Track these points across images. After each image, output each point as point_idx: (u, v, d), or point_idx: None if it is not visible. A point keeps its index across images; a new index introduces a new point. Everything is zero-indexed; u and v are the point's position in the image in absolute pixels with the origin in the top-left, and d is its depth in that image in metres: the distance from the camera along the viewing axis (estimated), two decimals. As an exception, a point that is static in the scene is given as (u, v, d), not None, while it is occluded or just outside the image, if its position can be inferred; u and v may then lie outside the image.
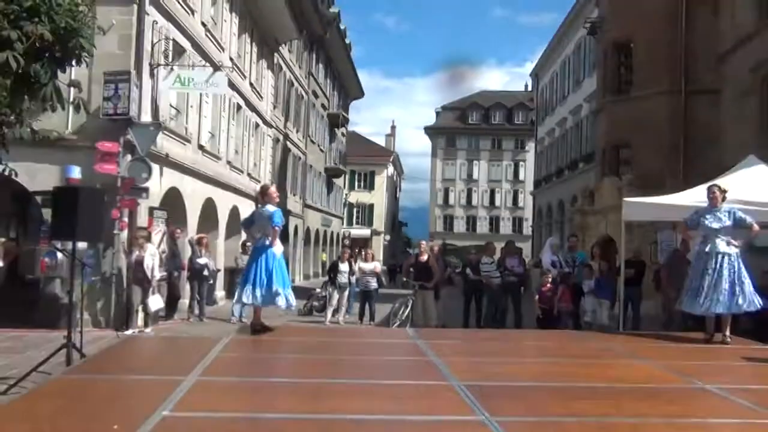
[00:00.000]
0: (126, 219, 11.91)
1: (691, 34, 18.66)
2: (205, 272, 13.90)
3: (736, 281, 7.09)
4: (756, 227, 7.16)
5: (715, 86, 17.69)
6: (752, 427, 3.81)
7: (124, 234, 11.88)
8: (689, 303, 7.37)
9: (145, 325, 11.43)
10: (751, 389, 4.90)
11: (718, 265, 7.14)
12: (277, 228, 7.17)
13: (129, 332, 10.70)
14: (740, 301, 7.06)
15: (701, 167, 16.38)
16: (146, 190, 12.03)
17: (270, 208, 7.33)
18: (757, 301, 7.15)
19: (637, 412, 4.17)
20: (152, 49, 12.82)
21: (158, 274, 11.34)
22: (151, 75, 12.89)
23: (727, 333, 7.25)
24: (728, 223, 7.18)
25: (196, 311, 13.78)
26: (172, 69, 13.34)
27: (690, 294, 7.38)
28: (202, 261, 13.82)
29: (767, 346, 7.42)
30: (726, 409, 4.27)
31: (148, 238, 11.64)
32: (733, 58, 16.79)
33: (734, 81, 16.68)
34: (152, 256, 11.26)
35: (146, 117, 12.62)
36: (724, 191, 7.44)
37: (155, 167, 12.62)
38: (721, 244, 7.16)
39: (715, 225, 7.21)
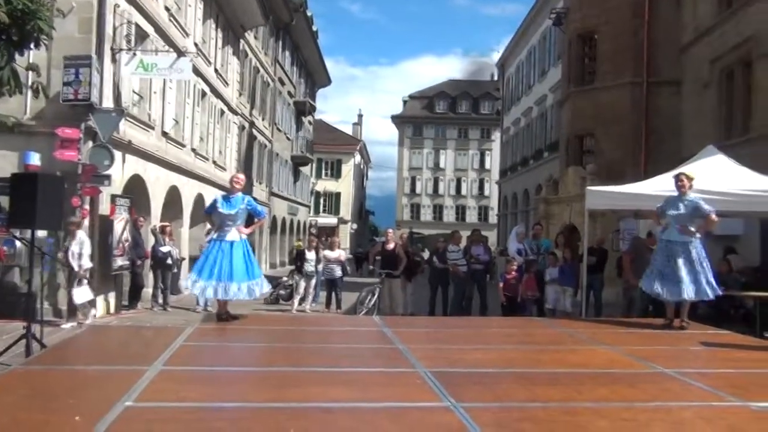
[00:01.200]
0: (87, 207, 11.67)
1: (654, 25, 18.96)
2: (169, 261, 13.71)
3: (695, 269, 7.26)
4: (713, 217, 7.31)
5: (676, 78, 18.03)
6: (710, 410, 3.92)
7: (86, 222, 11.65)
8: (648, 283, 7.54)
9: (72, 315, 10.79)
10: (709, 373, 5.04)
11: (675, 254, 7.31)
12: (263, 219, 7.16)
13: (67, 326, 10.36)
14: (698, 289, 7.24)
15: (662, 157, 16.72)
16: (108, 177, 11.80)
17: (242, 196, 7.29)
18: (713, 291, 7.33)
19: (598, 396, 4.25)
20: (114, 33, 12.54)
21: (87, 263, 10.64)
22: (113, 60, 12.60)
23: (686, 319, 7.44)
24: (682, 211, 7.32)
25: (160, 300, 13.60)
26: (134, 54, 13.06)
27: (650, 275, 7.55)
28: (165, 249, 13.63)
29: (724, 331, 7.64)
30: (685, 393, 4.39)
31: (79, 225, 11.02)
32: (693, 50, 17.12)
33: (694, 73, 17.02)
34: (80, 244, 10.60)
35: (108, 103, 12.36)
36: (691, 179, 7.58)
37: (117, 154, 12.39)
38: (675, 233, 7.33)
39: (673, 212, 7.38)
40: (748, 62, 14.59)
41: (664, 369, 5.04)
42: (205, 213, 7.85)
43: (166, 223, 14.37)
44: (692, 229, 7.30)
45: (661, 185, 9.19)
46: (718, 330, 7.62)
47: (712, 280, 7.37)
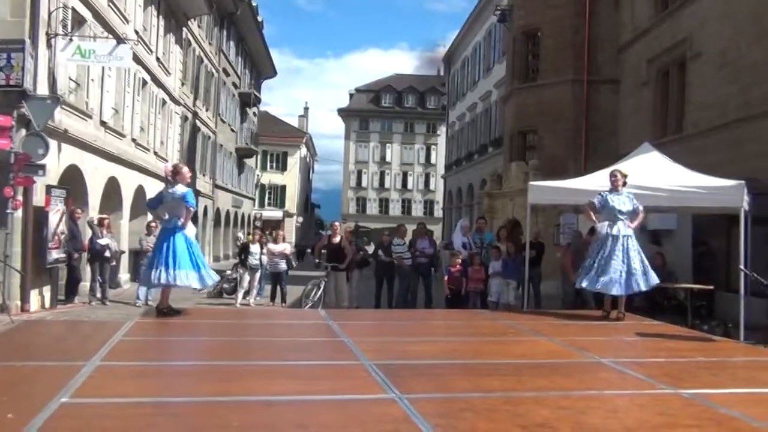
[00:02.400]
0: (20, 198, 11.22)
1: (595, 25, 19.43)
2: (107, 254, 13.34)
3: (629, 263, 7.52)
4: (642, 213, 7.65)
5: (615, 76, 18.56)
6: (643, 398, 4.07)
7: (19, 213, 11.20)
8: (587, 280, 7.75)
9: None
10: (644, 362, 5.22)
11: (622, 247, 7.54)
12: (192, 208, 7.01)
13: None
14: (639, 281, 7.49)
15: (601, 153, 17.20)
16: (43, 167, 11.37)
17: (180, 188, 7.13)
18: (649, 282, 7.61)
19: (538, 386, 4.36)
20: (49, 17, 12.06)
21: None
22: (48, 45, 12.13)
23: (622, 310, 7.69)
24: (630, 207, 7.60)
25: (98, 294, 13.22)
26: (71, 40, 12.61)
27: (589, 271, 7.76)
28: (103, 242, 13.25)
29: (658, 322, 7.94)
30: (620, 382, 4.54)
31: None
32: (631, 50, 17.66)
33: (632, 72, 17.56)
34: None
35: (43, 90, 11.89)
36: (625, 175, 7.86)
37: (53, 143, 11.96)
38: (623, 227, 7.57)
39: (622, 208, 7.61)
40: (682, 63, 15.15)
41: (600, 359, 5.20)
42: (148, 206, 7.63)
43: (104, 216, 13.95)
44: (630, 224, 7.57)
45: (600, 181, 9.44)
46: (652, 321, 7.91)
47: (649, 272, 7.64)
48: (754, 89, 12.36)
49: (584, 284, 7.82)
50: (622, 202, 7.63)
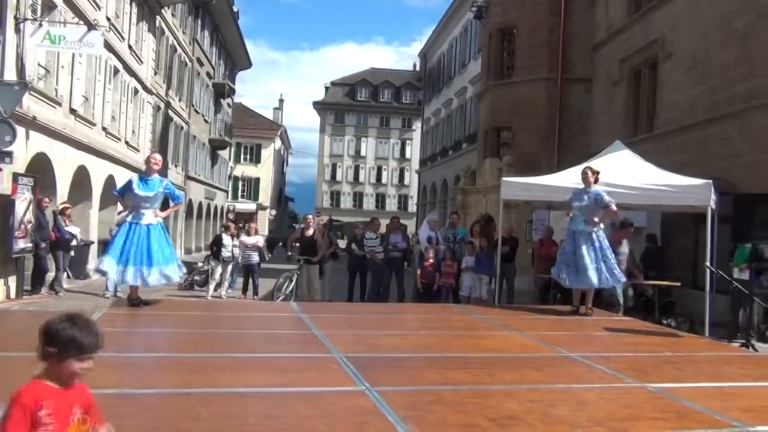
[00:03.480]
0: (-14, 185, 11.00)
1: (569, 23, 19.60)
2: (74, 242, 13.15)
3: (598, 258, 7.64)
4: (613, 207, 7.74)
5: (588, 75, 18.76)
6: (611, 391, 4.13)
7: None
8: (556, 270, 7.96)
9: None
10: (611, 357, 5.31)
11: (579, 243, 7.69)
12: (179, 204, 6.99)
13: None
14: (600, 277, 7.63)
15: (574, 151, 17.39)
16: (10, 154, 11.13)
17: (158, 177, 7.07)
18: (614, 279, 7.75)
19: (508, 379, 4.41)
20: (18, 1, 11.79)
21: None
22: (17, 30, 11.86)
23: (590, 306, 7.81)
24: (586, 202, 7.72)
25: (65, 285, 12.99)
26: (40, 25, 12.34)
27: (558, 264, 7.95)
28: (72, 230, 13.03)
29: (626, 317, 8.08)
30: (589, 376, 4.61)
31: None
32: (605, 49, 17.87)
33: (605, 71, 17.77)
34: None
35: (10, 75, 11.63)
36: (596, 173, 7.98)
37: (20, 130, 11.71)
38: (581, 223, 7.70)
39: (577, 204, 7.77)
40: (654, 63, 15.37)
41: (569, 353, 5.27)
42: (117, 193, 7.50)
43: (67, 204, 13.65)
44: (596, 219, 7.69)
45: (572, 178, 9.56)
46: (621, 317, 8.05)
47: (616, 268, 7.77)
48: (721, 91, 12.60)
49: (554, 274, 8.04)
50: (580, 198, 7.79)
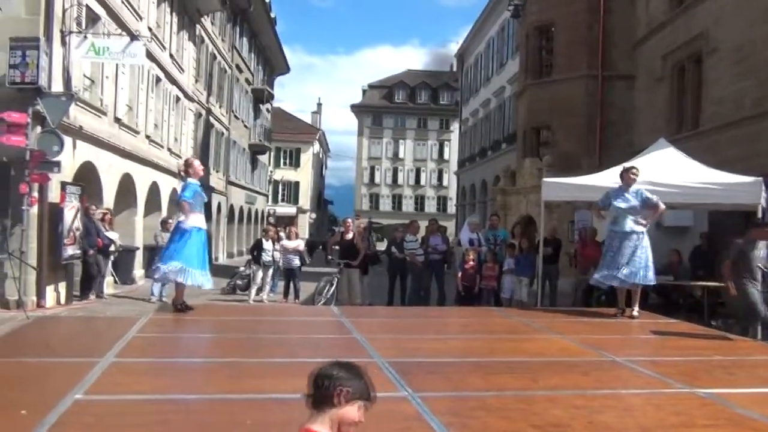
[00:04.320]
0: (36, 194, 11.30)
1: (609, 20, 19.25)
2: (112, 248, 13.46)
3: (638, 258, 7.47)
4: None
5: (630, 72, 18.39)
6: (659, 397, 4.02)
7: (35, 209, 11.29)
8: (599, 276, 7.79)
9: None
10: (659, 361, 5.18)
11: (624, 243, 7.52)
12: (185, 202, 6.97)
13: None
14: (639, 275, 7.45)
15: (616, 149, 17.06)
16: (58, 164, 11.43)
17: (191, 180, 7.15)
18: (645, 279, 7.56)
19: (552, 384, 4.33)
20: (63, 15, 12.12)
21: None
22: (63, 43, 12.19)
23: (636, 308, 7.64)
24: (635, 203, 7.54)
25: (111, 289, 13.29)
26: (85, 37, 12.65)
27: (600, 268, 7.78)
28: (112, 235, 13.34)
29: (674, 320, 7.87)
30: (635, 380, 4.50)
31: None
32: (646, 46, 17.49)
33: (647, 67, 17.39)
34: None
35: (57, 87, 11.95)
36: (635, 173, 7.80)
37: (68, 140, 12.02)
38: (629, 223, 7.53)
39: (623, 205, 7.58)
40: (698, 58, 14.98)
41: (615, 357, 5.16)
42: (187, 200, 7.41)
43: (105, 211, 13.89)
44: (642, 220, 7.52)
45: (614, 177, 9.36)
46: (668, 319, 7.84)
47: (651, 270, 7.57)
48: (771, 85, 12.21)
49: (594, 280, 7.88)
50: (625, 199, 7.59)
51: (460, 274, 11.45)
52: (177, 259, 6.85)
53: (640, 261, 7.46)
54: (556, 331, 6.50)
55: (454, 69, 54.55)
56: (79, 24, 12.63)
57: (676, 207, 10.80)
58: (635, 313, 7.54)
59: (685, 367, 4.91)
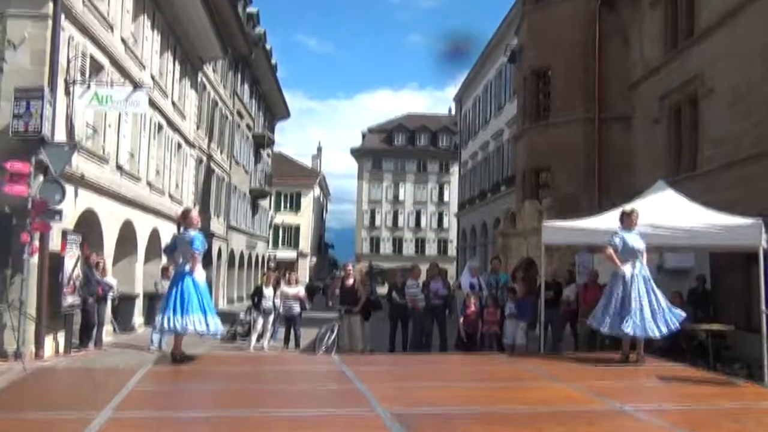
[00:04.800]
0: (37, 243, 11.30)
1: (604, 63, 19.55)
2: (111, 295, 13.38)
3: (656, 303, 7.40)
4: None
5: (627, 113, 18.58)
6: (666, 448, 3.95)
7: (35, 259, 11.27)
8: (601, 320, 7.64)
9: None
10: (666, 409, 5.09)
11: (642, 287, 7.43)
12: (197, 253, 7.02)
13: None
14: (660, 325, 7.35)
15: (615, 191, 17.11)
16: (59, 212, 11.46)
17: (191, 232, 7.17)
18: (672, 324, 7.47)
19: (558, 436, 4.25)
20: (68, 65, 12.31)
21: None
22: (67, 92, 12.35)
23: (641, 353, 7.54)
24: (644, 246, 7.54)
25: (110, 337, 13.15)
26: (89, 86, 12.82)
27: (605, 312, 7.65)
28: (110, 280, 13.25)
29: (679, 365, 7.77)
30: (643, 431, 4.41)
31: None
32: (642, 88, 17.71)
33: (644, 109, 17.58)
34: None
35: (61, 136, 12.07)
36: (636, 215, 7.82)
37: (69, 188, 12.07)
38: (642, 266, 7.49)
39: (639, 246, 7.54)
40: (694, 99, 15.15)
41: (622, 405, 5.08)
42: (167, 252, 7.60)
43: (99, 259, 13.69)
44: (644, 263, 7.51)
45: (614, 220, 9.36)
46: (673, 364, 7.75)
47: (671, 311, 7.50)
48: (767, 125, 12.32)
49: (597, 324, 7.73)
50: (637, 240, 7.58)
51: (462, 319, 11.36)
52: (186, 312, 6.84)
53: (659, 306, 7.39)
54: (560, 379, 6.42)
55: (453, 112, 55.22)
56: (83, 74, 12.81)
57: (677, 249, 10.79)
58: (640, 358, 7.45)
59: (692, 416, 4.84)
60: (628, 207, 8.68)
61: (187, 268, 7.05)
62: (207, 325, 7.08)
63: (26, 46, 11.50)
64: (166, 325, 6.99)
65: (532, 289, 11.95)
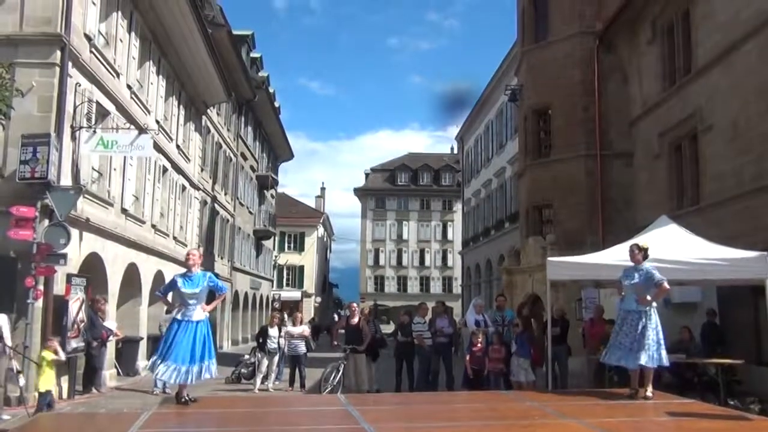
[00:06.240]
0: (41, 287, 11.31)
1: (604, 101, 19.74)
2: (111, 338, 13.32)
3: (648, 336, 7.34)
4: (665, 286, 7.47)
5: (628, 150, 18.70)
6: (678, 485, 3.88)
7: (39, 303, 11.27)
8: (609, 354, 7.68)
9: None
10: (676, 445, 5.01)
11: (628, 322, 7.46)
12: (223, 294, 7.06)
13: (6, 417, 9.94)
14: (650, 355, 7.29)
15: (619, 226, 17.13)
16: (64, 256, 11.51)
17: (199, 270, 7.18)
18: (659, 360, 7.38)
19: (568, 474, 4.18)
20: (74, 111, 12.52)
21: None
22: (73, 138, 12.53)
23: (650, 388, 7.45)
24: (637, 280, 7.51)
25: (113, 381, 13.05)
26: (94, 132, 13.01)
27: (611, 346, 7.68)
28: (111, 324, 13.20)
29: (689, 400, 7.66)
30: (653, 468, 4.34)
31: None
32: (642, 124, 17.86)
33: (645, 145, 17.70)
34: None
35: (66, 180, 12.20)
36: (643, 249, 7.80)
37: (74, 232, 12.15)
38: (632, 302, 7.48)
39: (628, 282, 7.56)
40: (694, 135, 15.26)
41: (632, 442, 5.00)
42: (160, 294, 7.61)
43: (99, 300, 13.61)
44: (648, 297, 7.45)
45: (618, 255, 9.37)
46: (683, 399, 7.65)
47: (663, 349, 7.42)
48: (767, 160, 12.38)
49: (605, 357, 7.77)
50: (630, 276, 7.60)
51: (468, 357, 11.28)
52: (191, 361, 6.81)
53: (650, 342, 7.33)
54: (569, 416, 6.33)
55: (455, 151, 55.62)
56: (89, 119, 13.00)
57: (684, 283, 10.75)
58: (649, 393, 7.35)
59: (704, 452, 4.76)
60: (636, 241, 8.69)
61: (209, 308, 7.10)
62: (209, 369, 7.03)
63: (34, 94, 11.73)
64: (177, 378, 6.90)
65: (528, 325, 11.88)
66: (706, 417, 6.35)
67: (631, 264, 7.79)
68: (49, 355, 9.65)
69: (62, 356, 9.98)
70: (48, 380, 9.64)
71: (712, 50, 14.33)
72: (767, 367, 11.69)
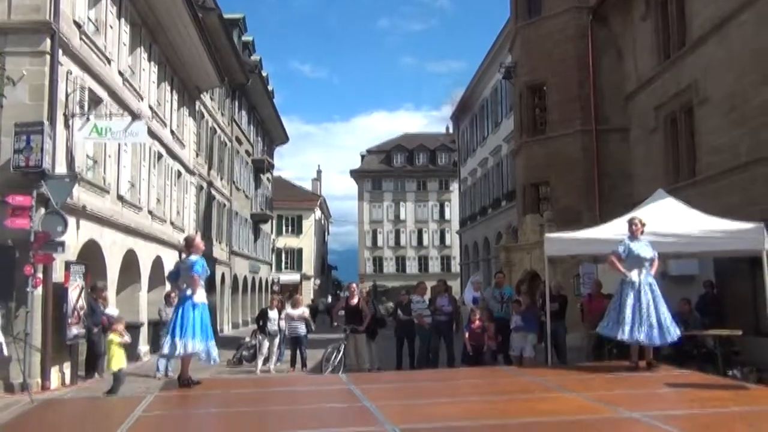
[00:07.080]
0: (40, 275, 11.32)
1: (599, 76, 19.67)
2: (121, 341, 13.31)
3: (661, 312, 7.38)
4: (657, 261, 7.64)
5: (623, 125, 18.68)
6: (679, 453, 3.93)
7: (39, 291, 11.28)
8: (611, 329, 7.62)
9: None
10: (677, 415, 5.07)
11: (648, 294, 7.43)
12: (196, 276, 7.03)
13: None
14: (665, 332, 7.33)
15: (615, 201, 17.15)
16: (62, 244, 11.50)
17: (193, 257, 7.20)
18: (676, 332, 7.46)
19: (569, 445, 4.23)
20: (66, 99, 12.42)
21: None
22: (66, 125, 12.45)
23: (651, 360, 7.52)
24: (651, 254, 7.55)
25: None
26: (88, 119, 12.93)
27: (613, 320, 7.63)
28: (111, 311, 13.21)
29: (688, 371, 7.74)
30: (654, 437, 4.39)
31: None
32: (638, 99, 17.82)
33: (640, 119, 17.68)
34: None
35: (61, 168, 12.14)
36: (643, 224, 7.84)
37: (71, 220, 12.12)
38: (648, 274, 7.50)
39: (646, 254, 7.55)
40: (689, 109, 15.23)
41: (632, 413, 5.05)
42: (169, 280, 7.66)
43: (99, 288, 13.61)
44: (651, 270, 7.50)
45: (616, 230, 9.38)
46: (682, 370, 7.72)
47: (673, 323, 7.49)
48: (763, 131, 12.37)
49: (605, 332, 7.74)
50: (646, 249, 7.59)
51: (467, 334, 11.35)
52: (187, 335, 6.83)
53: (664, 316, 7.37)
54: (569, 389, 6.39)
55: (450, 131, 55.47)
56: (81, 107, 12.91)
57: (680, 256, 10.78)
58: (654, 363, 7.42)
59: (703, 420, 4.82)
60: (632, 215, 8.72)
61: (189, 292, 7.07)
62: (207, 351, 7.06)
63: (25, 82, 11.62)
64: (168, 350, 6.99)
65: (533, 301, 11.95)
66: (706, 387, 6.42)
67: (628, 237, 7.81)
68: (116, 337, 10.00)
69: (128, 338, 10.38)
70: (119, 360, 9.99)
71: (706, 23, 14.26)
72: (765, 338, 11.78)
